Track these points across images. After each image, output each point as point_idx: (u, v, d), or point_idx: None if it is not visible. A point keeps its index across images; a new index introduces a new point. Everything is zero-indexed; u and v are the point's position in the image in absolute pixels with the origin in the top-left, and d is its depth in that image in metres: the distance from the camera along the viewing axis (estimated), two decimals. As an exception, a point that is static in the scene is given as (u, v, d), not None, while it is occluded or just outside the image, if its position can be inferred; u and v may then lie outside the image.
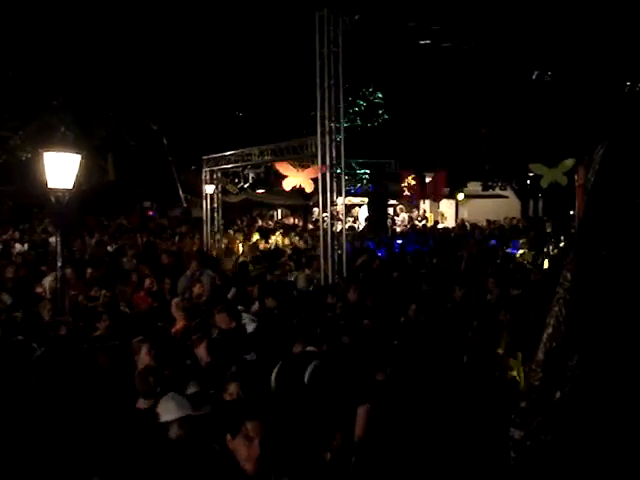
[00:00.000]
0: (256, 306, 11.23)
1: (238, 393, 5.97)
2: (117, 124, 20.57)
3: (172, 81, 22.87)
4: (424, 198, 22.64)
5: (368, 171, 17.47)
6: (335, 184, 14.25)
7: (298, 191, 26.53)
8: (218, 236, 20.61)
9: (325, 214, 14.49)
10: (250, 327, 9.26)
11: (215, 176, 20.23)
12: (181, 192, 29.09)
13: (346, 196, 15.04)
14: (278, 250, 20.10)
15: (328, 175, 14.15)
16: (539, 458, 3.03)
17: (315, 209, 14.55)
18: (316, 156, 14.38)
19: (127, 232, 24.48)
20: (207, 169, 20.12)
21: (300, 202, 28.93)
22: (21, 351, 7.89)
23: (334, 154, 14.18)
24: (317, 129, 14.23)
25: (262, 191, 27.31)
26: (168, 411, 5.46)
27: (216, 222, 20.50)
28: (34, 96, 19.28)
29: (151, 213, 32.83)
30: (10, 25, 18.66)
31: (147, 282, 13.40)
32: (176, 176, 28.44)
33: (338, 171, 14.25)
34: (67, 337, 8.65)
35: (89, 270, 14.66)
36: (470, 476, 5.05)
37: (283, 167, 17.15)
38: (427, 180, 19.05)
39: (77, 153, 10.81)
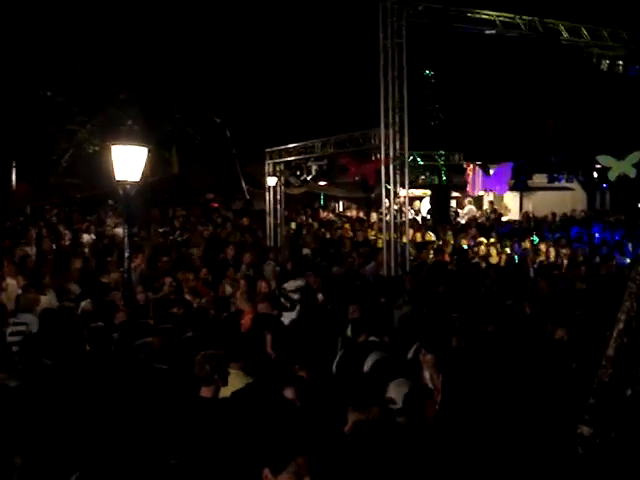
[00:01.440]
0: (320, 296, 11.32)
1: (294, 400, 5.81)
2: (182, 117, 20.82)
3: (235, 74, 23.06)
4: (488, 190, 22.32)
5: (442, 162, 17.37)
6: (398, 176, 14.21)
7: (360, 183, 26.54)
8: (280, 228, 20.72)
9: (387, 206, 14.47)
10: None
11: (278, 168, 20.35)
12: (244, 184, 29.29)
13: (409, 188, 14.97)
14: (342, 241, 20.14)
15: (391, 167, 14.11)
16: (608, 455, 2.98)
17: (386, 200, 14.51)
18: (379, 148, 14.35)
19: (192, 224, 24.79)
20: (270, 161, 20.24)
21: (362, 194, 28.85)
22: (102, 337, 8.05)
23: (397, 146, 14.13)
24: (380, 121, 14.20)
25: (324, 183, 27.31)
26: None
27: (278, 214, 20.61)
28: (101, 90, 19.63)
29: (215, 205, 33.16)
30: (79, 21, 19.04)
31: (203, 272, 13.60)
32: (239, 168, 28.63)
33: (401, 163, 14.21)
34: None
35: (164, 259, 14.96)
36: (538, 471, 4.99)
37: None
38: (491, 172, 18.85)
39: (144, 146, 11.00)
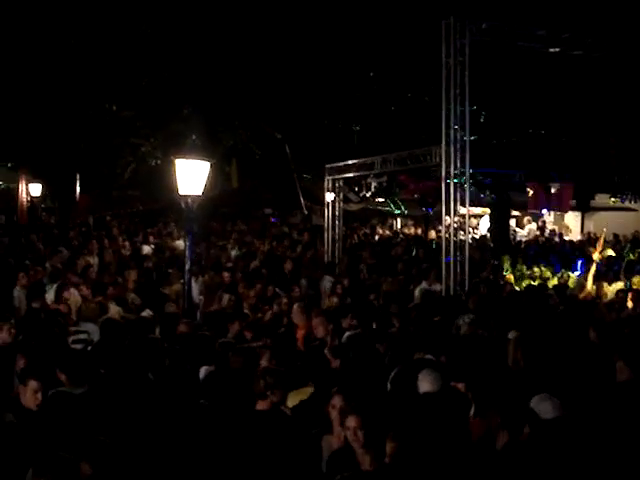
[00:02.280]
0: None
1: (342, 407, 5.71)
2: (243, 133, 21.04)
3: (297, 90, 23.27)
4: (549, 210, 22.01)
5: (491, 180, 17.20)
6: (459, 194, 14.11)
7: (418, 200, 26.42)
8: (338, 244, 20.72)
9: (448, 224, 14.39)
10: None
11: (337, 184, 20.38)
12: (302, 199, 29.46)
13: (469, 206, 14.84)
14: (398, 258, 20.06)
15: (452, 185, 14.03)
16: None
17: (447, 218, 14.43)
18: (440, 165, 14.29)
19: (249, 238, 24.98)
20: (329, 177, 20.28)
21: (420, 212, 28.76)
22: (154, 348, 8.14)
23: (458, 164, 14.05)
24: (442, 139, 14.14)
25: (382, 200, 27.34)
26: (546, 410, 5.66)
27: (337, 230, 20.62)
28: (165, 105, 19.97)
29: (272, 220, 33.41)
30: (144, 37, 19.44)
31: (257, 287, 13.64)
32: (298, 184, 28.82)
33: (462, 181, 14.12)
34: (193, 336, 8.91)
35: (226, 274, 15.08)
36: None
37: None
38: (553, 191, 18.55)
39: (207, 160, 11.14)
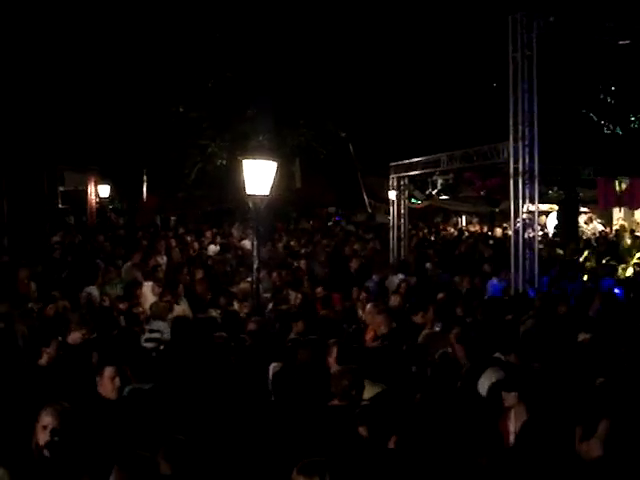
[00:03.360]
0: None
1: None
2: (308, 132, 21.11)
3: (361, 88, 23.26)
4: (620, 206, 21.52)
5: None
6: (527, 190, 13.89)
7: (484, 198, 26.15)
8: (403, 242, 20.61)
9: (517, 221, 14.16)
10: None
11: (402, 182, 20.27)
12: (366, 198, 29.43)
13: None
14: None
15: (520, 181, 13.83)
16: None
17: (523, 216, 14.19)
18: (508, 162, 14.09)
19: (314, 236, 25.05)
20: (394, 175, 20.19)
21: (486, 209, 28.46)
22: (220, 348, 8.21)
23: (527, 160, 13.83)
24: (509, 135, 13.94)
25: (446, 197, 27.16)
26: None
27: (402, 228, 20.51)
28: (230, 106, 20.18)
29: (336, 218, 33.48)
30: (211, 39, 19.68)
31: (318, 290, 13.52)
32: (362, 182, 28.80)
33: (531, 177, 13.88)
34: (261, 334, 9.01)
35: (283, 273, 15.15)
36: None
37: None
38: (623, 187, 18.13)
39: (274, 160, 11.23)
